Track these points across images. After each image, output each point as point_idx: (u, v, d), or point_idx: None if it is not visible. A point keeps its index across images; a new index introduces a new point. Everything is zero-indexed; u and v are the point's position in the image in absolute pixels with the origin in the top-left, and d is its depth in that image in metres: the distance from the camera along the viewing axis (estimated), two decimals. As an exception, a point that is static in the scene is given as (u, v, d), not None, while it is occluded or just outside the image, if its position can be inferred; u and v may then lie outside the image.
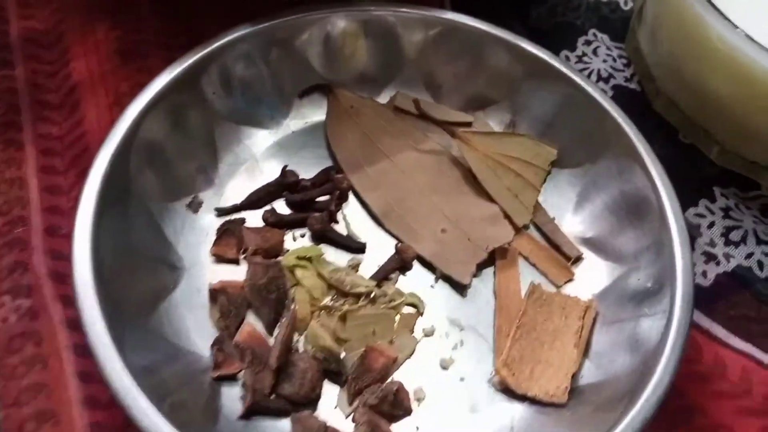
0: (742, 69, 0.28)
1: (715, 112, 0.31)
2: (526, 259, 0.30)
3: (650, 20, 0.34)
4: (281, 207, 0.31)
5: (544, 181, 0.32)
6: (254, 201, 0.30)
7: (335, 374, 0.26)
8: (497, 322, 0.28)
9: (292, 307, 0.27)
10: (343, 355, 0.27)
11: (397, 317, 0.28)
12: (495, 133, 0.32)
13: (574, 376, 0.26)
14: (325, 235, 0.30)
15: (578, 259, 0.30)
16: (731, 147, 0.32)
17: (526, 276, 0.29)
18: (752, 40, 0.27)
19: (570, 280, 0.29)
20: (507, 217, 0.30)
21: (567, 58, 0.37)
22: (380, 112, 0.33)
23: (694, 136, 0.33)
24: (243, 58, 0.31)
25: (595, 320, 0.28)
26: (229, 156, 0.32)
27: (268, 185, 0.31)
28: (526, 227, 0.31)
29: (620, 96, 0.35)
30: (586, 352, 0.27)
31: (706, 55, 0.30)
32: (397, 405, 0.25)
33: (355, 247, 0.30)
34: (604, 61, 0.36)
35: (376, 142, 0.32)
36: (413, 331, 0.28)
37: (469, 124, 0.33)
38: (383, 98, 0.34)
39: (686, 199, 0.32)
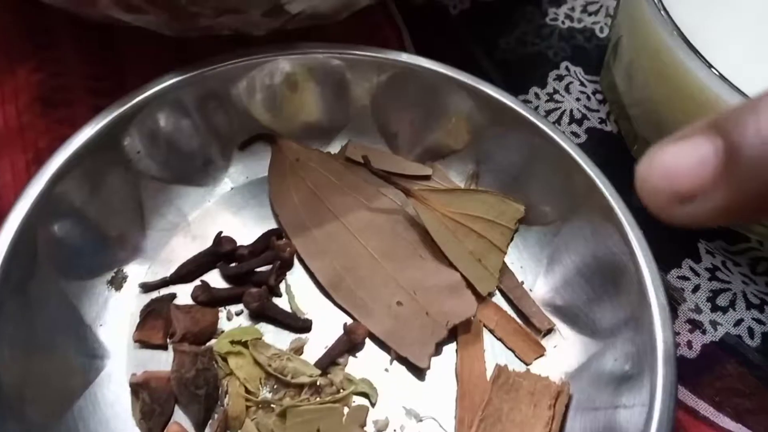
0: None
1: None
2: (491, 332, 0.27)
3: (626, 58, 0.31)
4: (215, 279, 0.27)
5: (511, 240, 0.28)
6: (184, 275, 0.27)
7: None
8: (459, 413, 0.25)
9: (225, 403, 0.24)
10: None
11: (346, 410, 0.25)
12: (454, 189, 0.29)
13: None
14: (264, 314, 0.26)
15: (549, 331, 0.27)
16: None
17: (492, 351, 0.26)
18: (741, 92, 0.24)
19: (541, 356, 0.26)
20: (470, 285, 0.27)
21: (537, 95, 0.34)
22: (329, 165, 0.30)
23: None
24: (172, 109, 0.28)
25: (567, 406, 0.25)
26: (157, 220, 0.28)
27: (200, 255, 0.27)
28: (491, 294, 0.27)
29: (595, 140, 0.32)
30: None
31: (683, 97, 0.27)
32: None
33: (298, 326, 0.26)
34: (578, 99, 0.33)
35: (324, 200, 0.29)
36: (364, 426, 0.24)
37: (427, 177, 0.30)
38: (334, 148, 0.31)
39: (669, 259, 0.29)
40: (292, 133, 0.30)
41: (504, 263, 0.28)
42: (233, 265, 0.27)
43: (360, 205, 0.29)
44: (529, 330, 0.27)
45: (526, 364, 0.26)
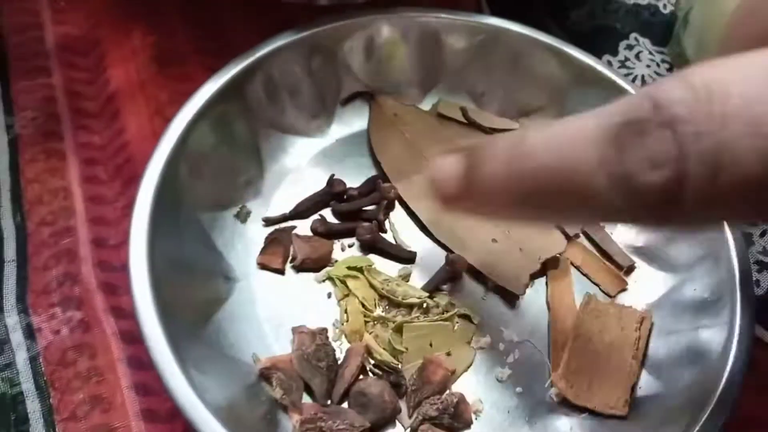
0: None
1: None
2: (578, 269, 0.30)
3: (698, 25, 0.33)
4: (328, 216, 0.30)
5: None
6: (302, 211, 0.30)
7: (395, 386, 0.26)
8: (552, 335, 0.28)
9: (344, 321, 0.27)
10: (400, 366, 0.26)
11: (455, 328, 0.28)
12: None
13: (633, 388, 0.26)
14: (374, 246, 0.29)
15: (631, 268, 0.30)
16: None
17: (579, 287, 0.29)
18: None
19: (623, 290, 0.29)
20: (558, 226, 0.30)
21: (609, 63, 0.36)
22: (424, 119, 0.33)
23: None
24: (286, 66, 0.31)
25: (651, 331, 0.28)
26: (274, 165, 0.31)
27: (316, 195, 0.30)
28: (576, 236, 0.30)
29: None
30: (643, 363, 0.27)
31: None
32: (457, 417, 0.25)
33: (405, 257, 0.29)
34: (648, 66, 0.36)
35: (422, 150, 0.32)
36: (470, 343, 0.28)
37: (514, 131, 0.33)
38: (425, 105, 0.34)
39: None
40: (389, 91, 0.33)
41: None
42: (345, 204, 0.30)
43: (455, 154, 0.32)
44: (612, 267, 0.30)
45: (611, 297, 0.29)
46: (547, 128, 0.17)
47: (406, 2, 0.33)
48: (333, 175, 0.31)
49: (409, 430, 0.25)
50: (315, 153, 0.32)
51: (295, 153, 0.32)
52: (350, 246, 0.30)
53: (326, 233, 0.29)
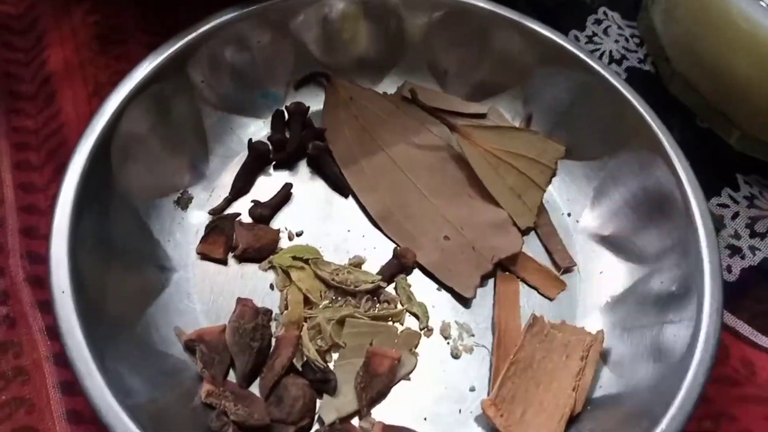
0: (765, 49, 0.26)
1: (734, 96, 0.29)
2: (512, 272, 0.27)
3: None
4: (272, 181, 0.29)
5: (551, 179, 0.29)
6: (241, 187, 0.28)
7: (323, 382, 0.24)
8: (495, 354, 0.25)
9: (282, 315, 0.25)
10: (335, 358, 0.25)
11: (399, 328, 0.26)
12: (498, 127, 0.30)
13: (571, 420, 0.24)
14: (320, 164, 0.29)
15: (569, 269, 0.28)
16: (752, 132, 0.30)
17: (529, 294, 0.27)
18: None
19: (562, 290, 0.27)
20: (514, 222, 0.28)
21: (576, 38, 0.35)
22: (381, 104, 0.31)
23: (712, 121, 0.31)
24: (234, 42, 0.29)
25: (603, 355, 0.25)
26: (220, 148, 0.29)
27: (245, 164, 0.29)
28: (529, 229, 0.28)
29: (634, 78, 0.33)
30: (587, 400, 0.24)
31: (726, 33, 0.28)
32: None
33: (341, 187, 0.29)
34: (616, 41, 0.34)
35: (376, 138, 0.30)
36: (414, 350, 0.26)
37: (483, 116, 0.31)
38: (386, 85, 0.32)
39: (708, 189, 0.30)
40: (346, 69, 0.31)
41: (542, 202, 0.29)
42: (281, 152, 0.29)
43: (410, 143, 0.30)
44: (550, 267, 0.28)
45: (550, 299, 0.27)
46: None
47: None
48: (251, 139, 0.29)
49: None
50: (265, 134, 0.30)
51: (243, 134, 0.30)
52: (299, 234, 0.28)
53: (267, 216, 0.28)
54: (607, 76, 0.28)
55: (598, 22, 0.35)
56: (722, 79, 0.29)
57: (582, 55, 0.29)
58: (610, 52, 0.34)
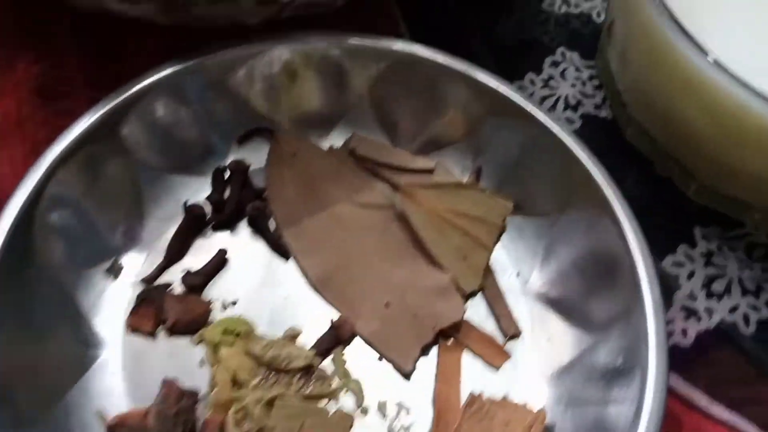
0: (715, 101, 0.25)
1: (690, 146, 0.28)
2: (453, 338, 0.26)
3: (620, 41, 0.30)
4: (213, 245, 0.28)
5: (499, 237, 0.28)
6: (175, 253, 0.27)
7: None
8: None
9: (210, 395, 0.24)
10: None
11: (333, 407, 0.25)
12: (443, 185, 0.29)
13: None
14: (258, 224, 0.28)
15: (515, 335, 0.27)
16: (709, 183, 0.29)
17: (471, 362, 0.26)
18: (725, 69, 0.24)
19: (507, 360, 0.26)
20: (458, 287, 0.27)
21: (532, 81, 0.33)
22: (326, 160, 0.30)
23: (669, 171, 0.30)
24: (171, 98, 0.28)
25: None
26: (157, 210, 0.28)
27: (180, 229, 0.28)
28: (474, 293, 0.27)
29: (590, 126, 0.32)
30: None
31: (677, 83, 0.26)
32: None
33: (281, 251, 0.28)
34: (573, 85, 0.33)
35: (320, 196, 0.29)
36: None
37: (430, 171, 0.30)
38: (334, 139, 0.31)
39: (664, 245, 0.29)
40: (291, 123, 0.30)
41: (488, 263, 0.28)
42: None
43: (355, 202, 0.29)
44: (496, 334, 0.27)
45: (496, 368, 0.26)
46: None
47: (313, 25, 0.30)
48: (186, 201, 0.28)
49: None
50: (206, 194, 0.29)
51: (181, 194, 0.29)
52: (233, 303, 0.27)
53: (200, 285, 0.27)
54: (555, 129, 0.27)
55: (556, 64, 0.34)
56: (676, 127, 0.28)
57: (529, 107, 0.28)
58: (566, 97, 0.33)
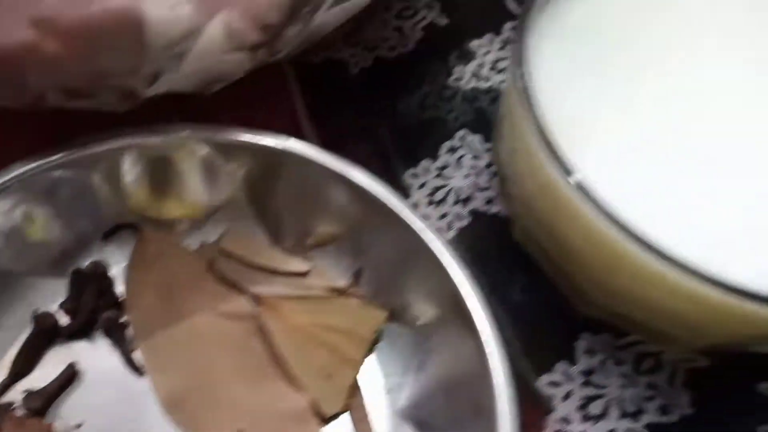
0: (590, 225, 0.24)
1: (573, 260, 0.27)
2: None
3: (507, 136, 0.29)
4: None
5: (370, 351, 0.27)
6: (22, 367, 0.26)
7: None
8: None
9: None
10: None
11: None
12: (310, 296, 0.27)
13: None
14: (115, 335, 0.27)
15: None
16: (595, 298, 0.27)
17: None
18: (586, 192, 0.22)
19: None
20: (316, 410, 0.25)
21: (427, 170, 0.32)
22: (191, 264, 0.28)
23: (555, 278, 0.29)
24: (23, 198, 0.26)
25: None
26: (7, 318, 0.27)
27: (28, 341, 0.26)
28: (338, 414, 0.26)
29: (478, 222, 0.30)
30: None
31: (549, 201, 0.25)
32: None
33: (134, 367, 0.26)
34: (467, 176, 0.31)
35: (180, 305, 0.27)
36: None
37: (304, 274, 0.28)
38: (208, 231, 0.29)
39: (541, 362, 0.27)
40: (161, 220, 0.29)
41: (355, 380, 0.26)
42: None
43: (217, 312, 0.27)
44: None
45: None
46: None
47: (195, 117, 0.28)
48: (36, 309, 0.27)
49: None
50: (64, 298, 0.27)
51: (35, 299, 0.27)
52: (77, 426, 0.25)
53: (41, 407, 0.25)
54: (426, 238, 0.26)
55: (453, 149, 0.32)
56: (558, 241, 0.27)
57: (404, 213, 0.26)
58: (458, 189, 0.31)
